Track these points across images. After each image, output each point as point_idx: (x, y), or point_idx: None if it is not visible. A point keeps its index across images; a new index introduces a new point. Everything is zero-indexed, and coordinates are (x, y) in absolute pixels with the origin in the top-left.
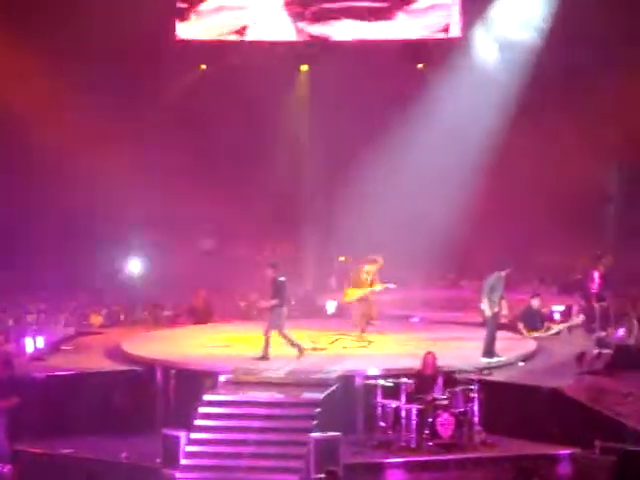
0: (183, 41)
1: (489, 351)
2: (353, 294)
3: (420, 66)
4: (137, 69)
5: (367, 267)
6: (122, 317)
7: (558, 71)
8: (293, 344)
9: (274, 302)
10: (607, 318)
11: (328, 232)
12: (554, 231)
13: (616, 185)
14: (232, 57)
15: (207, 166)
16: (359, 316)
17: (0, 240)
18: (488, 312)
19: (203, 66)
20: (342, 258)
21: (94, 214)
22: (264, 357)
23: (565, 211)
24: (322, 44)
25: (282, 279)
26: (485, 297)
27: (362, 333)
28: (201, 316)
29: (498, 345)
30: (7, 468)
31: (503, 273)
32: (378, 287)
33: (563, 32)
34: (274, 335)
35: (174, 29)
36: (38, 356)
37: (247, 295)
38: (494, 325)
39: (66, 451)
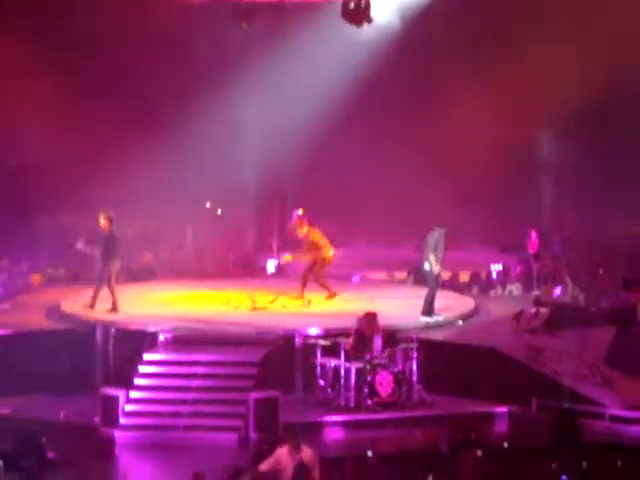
0: None
1: (428, 310)
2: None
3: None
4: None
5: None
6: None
7: None
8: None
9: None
10: (544, 277)
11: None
12: (492, 189)
13: (550, 150)
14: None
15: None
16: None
17: None
18: (433, 269)
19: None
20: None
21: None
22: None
23: (502, 169)
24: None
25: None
26: (430, 255)
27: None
28: (143, 275)
29: (437, 304)
30: None
31: (442, 230)
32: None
33: None
34: (232, 295)
35: None
36: None
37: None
38: (435, 284)
39: (3, 411)
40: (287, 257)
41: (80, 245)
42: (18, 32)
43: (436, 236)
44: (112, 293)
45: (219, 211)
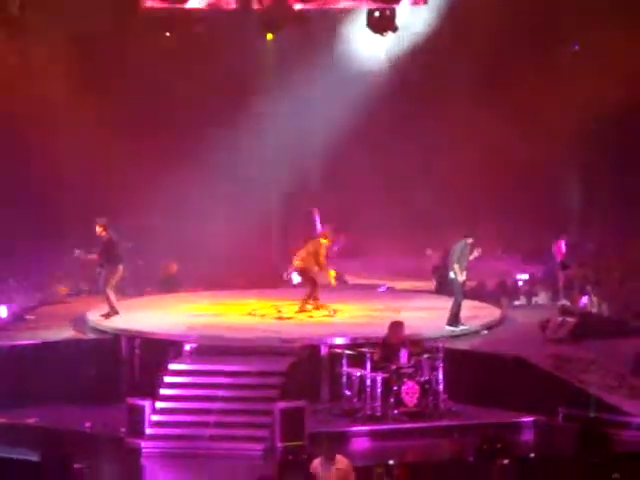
0: (148, 9)
1: (454, 319)
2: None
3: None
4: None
5: (322, 241)
6: (85, 288)
7: None
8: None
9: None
10: (571, 286)
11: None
12: (518, 200)
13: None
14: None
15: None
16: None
17: None
18: (458, 278)
19: (167, 34)
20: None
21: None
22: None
23: (529, 180)
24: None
25: (115, 238)
26: (455, 264)
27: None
28: (167, 286)
29: (463, 313)
30: None
31: (469, 240)
32: (332, 274)
33: None
34: (257, 305)
35: None
36: (1, 326)
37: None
38: (461, 293)
39: (31, 421)
40: (332, 274)
41: (78, 253)
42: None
43: (462, 246)
44: (108, 297)
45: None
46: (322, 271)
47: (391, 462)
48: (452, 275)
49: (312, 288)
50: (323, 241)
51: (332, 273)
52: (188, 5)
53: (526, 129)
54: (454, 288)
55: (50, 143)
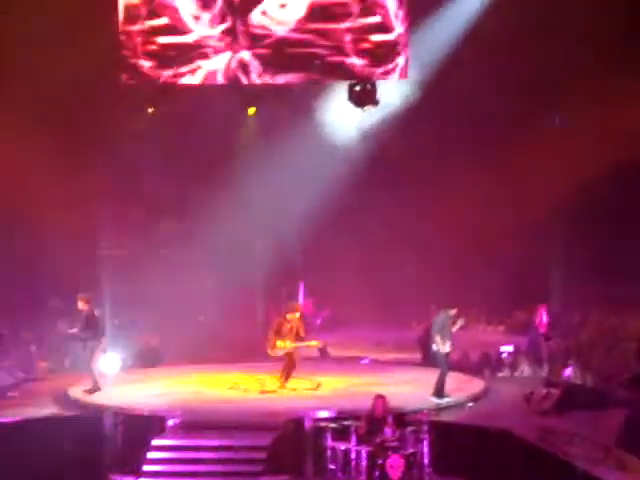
0: (129, 85)
1: (439, 391)
2: (281, 346)
3: None
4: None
5: (289, 316)
6: (67, 364)
7: None
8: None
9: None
10: (555, 358)
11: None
12: (499, 270)
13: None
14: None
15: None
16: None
17: None
18: (441, 350)
19: (150, 109)
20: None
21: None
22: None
23: (502, 256)
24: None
25: (96, 312)
26: (436, 336)
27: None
28: (148, 360)
29: (448, 385)
30: None
31: (452, 312)
32: (314, 343)
33: None
34: (240, 378)
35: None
36: None
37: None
38: (445, 364)
39: None
40: (315, 343)
41: (60, 327)
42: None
43: (444, 317)
44: (92, 372)
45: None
46: (304, 346)
47: None
48: (434, 347)
49: (290, 365)
50: (294, 316)
51: (313, 343)
52: (181, 81)
53: (506, 191)
54: (438, 360)
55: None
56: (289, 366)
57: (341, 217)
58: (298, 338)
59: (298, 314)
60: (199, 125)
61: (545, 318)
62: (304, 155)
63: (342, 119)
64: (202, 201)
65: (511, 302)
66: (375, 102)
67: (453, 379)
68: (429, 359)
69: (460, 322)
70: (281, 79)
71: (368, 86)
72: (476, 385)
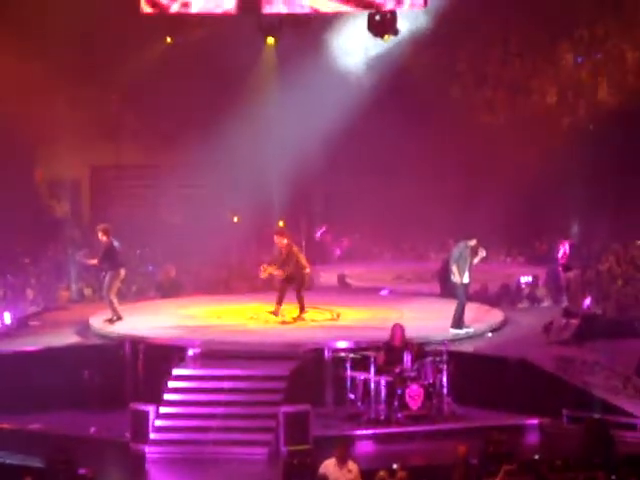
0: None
1: (458, 322)
2: (265, 270)
3: None
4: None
5: (276, 239)
6: (89, 292)
7: None
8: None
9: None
10: (574, 288)
11: None
12: (520, 202)
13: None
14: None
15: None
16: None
17: None
18: (458, 281)
19: (169, 39)
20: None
21: None
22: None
23: (532, 181)
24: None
25: (116, 244)
26: (453, 266)
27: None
28: (168, 291)
29: (467, 316)
30: None
31: (470, 243)
32: (276, 272)
33: None
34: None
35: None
36: (5, 332)
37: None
38: (464, 295)
39: (35, 426)
40: (268, 269)
41: (80, 256)
42: None
43: (461, 248)
44: (112, 302)
45: (235, 219)
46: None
47: (394, 466)
48: (453, 278)
49: (281, 290)
50: (281, 240)
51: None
52: (191, 10)
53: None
54: (455, 291)
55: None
56: (280, 290)
57: (360, 149)
58: (288, 263)
59: (285, 240)
60: (217, 55)
61: (565, 249)
62: (322, 85)
63: (358, 48)
64: (221, 132)
65: (531, 233)
66: (395, 31)
67: (472, 310)
68: (447, 291)
69: (481, 253)
70: (299, 9)
71: (388, 15)
72: (495, 316)
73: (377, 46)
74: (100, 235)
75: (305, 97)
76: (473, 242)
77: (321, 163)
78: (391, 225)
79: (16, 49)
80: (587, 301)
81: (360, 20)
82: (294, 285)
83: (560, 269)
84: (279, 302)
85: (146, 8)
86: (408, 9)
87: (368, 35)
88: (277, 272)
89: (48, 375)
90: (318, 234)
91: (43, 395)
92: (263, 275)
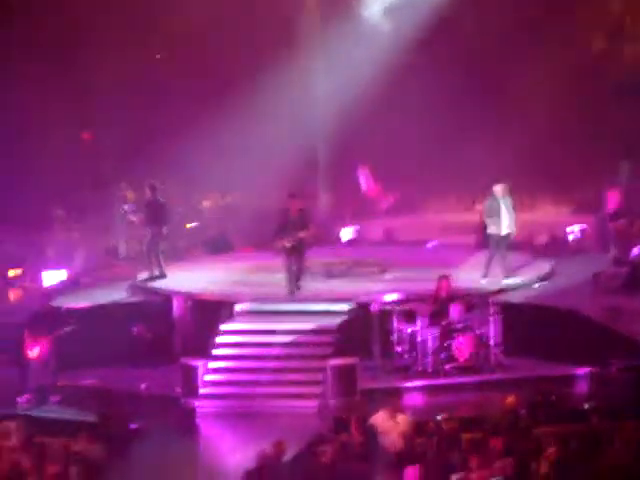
0: None
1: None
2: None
3: None
4: None
5: (290, 202)
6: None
7: None
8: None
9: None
10: (622, 237)
11: None
12: (567, 151)
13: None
14: None
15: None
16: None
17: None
18: (493, 232)
19: None
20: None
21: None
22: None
23: (570, 137)
24: None
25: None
26: (487, 220)
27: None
28: (218, 247)
29: (514, 266)
30: (56, 398)
31: (497, 193)
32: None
33: None
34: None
35: None
36: (58, 289)
37: None
38: (495, 247)
39: (87, 382)
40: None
41: (126, 209)
42: None
43: (490, 201)
44: (157, 259)
45: None
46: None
47: (440, 417)
48: (488, 230)
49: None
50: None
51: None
52: None
53: (572, 71)
54: (490, 242)
55: None
56: (287, 270)
57: (407, 102)
58: (307, 225)
59: (299, 203)
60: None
61: (615, 197)
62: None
63: None
64: (264, 87)
65: (579, 183)
66: None
67: (520, 260)
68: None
69: (508, 200)
70: None
71: None
72: (543, 266)
73: None
74: (147, 191)
75: (351, 49)
76: (498, 190)
77: (369, 116)
78: (438, 178)
79: None
80: (636, 250)
81: None
82: (296, 255)
83: (608, 218)
84: (293, 279)
85: None
86: None
87: None
88: (302, 234)
89: (99, 331)
90: (367, 189)
91: (95, 351)
92: (287, 245)
